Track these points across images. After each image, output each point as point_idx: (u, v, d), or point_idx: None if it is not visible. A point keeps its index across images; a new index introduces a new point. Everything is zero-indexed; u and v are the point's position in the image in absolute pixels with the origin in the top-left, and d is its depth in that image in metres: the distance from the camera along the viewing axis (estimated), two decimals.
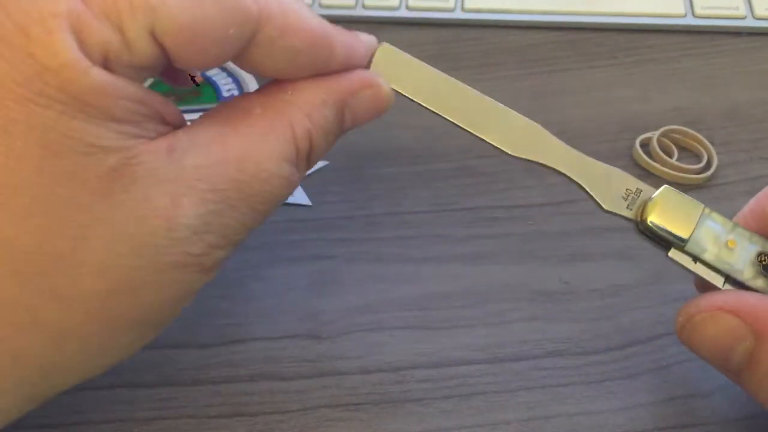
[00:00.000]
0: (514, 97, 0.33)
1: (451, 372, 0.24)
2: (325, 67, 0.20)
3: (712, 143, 0.30)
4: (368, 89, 0.21)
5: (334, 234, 0.28)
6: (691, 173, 0.29)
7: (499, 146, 0.21)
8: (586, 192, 0.21)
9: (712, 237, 0.20)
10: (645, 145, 0.31)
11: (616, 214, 0.21)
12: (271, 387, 0.23)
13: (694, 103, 0.33)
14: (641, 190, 0.21)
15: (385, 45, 0.22)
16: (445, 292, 0.26)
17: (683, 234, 0.20)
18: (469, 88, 0.21)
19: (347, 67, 0.21)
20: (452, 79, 0.21)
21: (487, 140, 0.21)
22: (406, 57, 0.22)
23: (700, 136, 0.31)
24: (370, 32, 0.32)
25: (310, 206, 0.29)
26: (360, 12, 0.38)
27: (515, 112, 0.21)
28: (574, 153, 0.21)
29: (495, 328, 0.25)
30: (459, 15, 0.38)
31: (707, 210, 0.20)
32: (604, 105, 0.33)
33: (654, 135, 0.30)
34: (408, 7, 0.38)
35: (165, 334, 0.25)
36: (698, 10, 0.37)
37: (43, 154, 0.16)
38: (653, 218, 0.20)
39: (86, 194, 0.16)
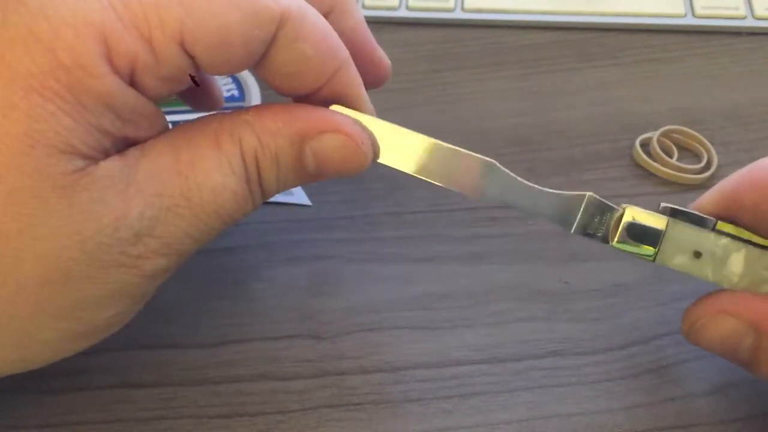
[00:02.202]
0: (513, 97, 0.34)
1: (451, 372, 0.24)
2: (329, 80, 0.20)
3: (712, 143, 0.30)
4: (335, 134, 0.20)
5: (334, 234, 0.28)
6: (691, 173, 0.29)
7: (465, 193, 0.21)
8: (554, 222, 0.21)
9: (679, 248, 0.21)
10: (645, 145, 0.31)
11: (585, 236, 0.21)
12: (271, 387, 0.23)
13: (694, 103, 0.33)
14: (607, 212, 0.21)
15: (334, 107, 0.21)
16: (445, 292, 0.26)
17: (648, 252, 0.21)
18: (421, 135, 0.21)
19: (352, 86, 0.21)
20: (406, 129, 0.21)
21: (453, 189, 0.21)
22: (359, 115, 0.21)
23: (700, 136, 0.31)
24: (371, 32, 0.32)
25: (310, 206, 0.29)
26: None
27: (470, 153, 0.21)
28: (535, 188, 0.21)
29: (495, 328, 0.25)
30: (459, 15, 0.38)
31: (671, 221, 0.21)
32: (604, 105, 0.33)
33: (654, 135, 0.30)
34: (408, 7, 0.38)
35: (165, 334, 0.25)
36: (698, 10, 0.37)
37: (22, 143, 0.17)
38: (617, 242, 0.21)
39: (46, 189, 0.17)
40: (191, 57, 0.18)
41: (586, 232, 0.21)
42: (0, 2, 0.17)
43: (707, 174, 0.29)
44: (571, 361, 0.24)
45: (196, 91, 0.24)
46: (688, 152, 0.31)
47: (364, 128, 0.21)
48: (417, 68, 0.35)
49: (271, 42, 0.19)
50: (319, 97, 0.21)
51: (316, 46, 0.20)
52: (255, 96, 0.34)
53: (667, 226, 0.21)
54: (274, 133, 0.20)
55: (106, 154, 0.18)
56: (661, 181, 0.29)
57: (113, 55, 0.17)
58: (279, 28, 0.19)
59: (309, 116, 0.20)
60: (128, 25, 0.17)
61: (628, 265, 0.26)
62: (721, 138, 0.31)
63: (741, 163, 0.30)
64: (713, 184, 0.29)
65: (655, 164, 0.30)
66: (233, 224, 0.20)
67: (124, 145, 0.19)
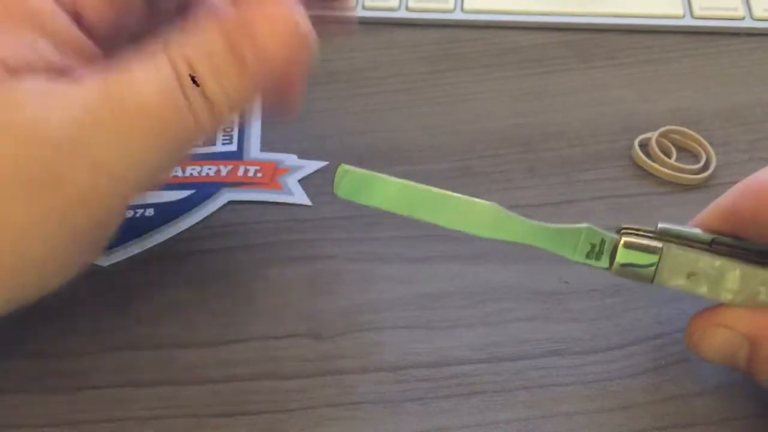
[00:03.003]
0: (513, 97, 0.34)
1: (451, 371, 0.24)
2: None
3: (711, 144, 0.30)
4: (267, 17, 0.19)
5: (334, 234, 0.28)
6: (689, 173, 0.29)
7: (469, 232, 0.23)
8: (553, 252, 0.22)
9: (675, 271, 0.22)
10: (644, 146, 0.31)
11: (585, 265, 0.22)
12: (271, 386, 0.23)
13: (692, 104, 0.33)
14: (605, 241, 0.22)
15: (343, 166, 0.23)
16: (444, 292, 0.26)
17: (646, 278, 0.22)
18: (428, 187, 0.23)
19: None
20: (412, 183, 0.23)
21: (458, 229, 0.23)
22: (366, 173, 0.23)
23: (698, 136, 0.31)
24: (371, 33, 0.32)
25: (310, 206, 0.29)
26: (360, 13, 0.38)
27: (474, 200, 0.23)
28: (533, 224, 0.22)
29: (494, 328, 0.25)
30: (459, 16, 0.38)
31: (665, 248, 0.22)
32: (602, 105, 0.33)
33: (653, 135, 0.31)
34: (408, 8, 0.38)
35: (165, 334, 0.25)
36: (697, 11, 0.37)
37: None
38: (615, 272, 0.22)
39: None
40: None
41: (586, 261, 0.22)
42: None
43: (706, 174, 0.29)
44: (571, 360, 0.24)
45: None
46: (686, 152, 0.31)
47: (297, 6, 0.20)
48: (417, 69, 0.35)
49: None
50: None
51: None
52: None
53: (661, 254, 0.22)
54: (203, 31, 0.19)
55: (34, 73, 0.18)
56: (660, 182, 0.29)
57: None
58: None
59: (239, 8, 0.19)
60: None
61: None
62: (719, 138, 0.31)
63: (739, 164, 0.30)
64: (712, 185, 0.29)
65: (653, 164, 0.30)
66: (186, 145, 0.19)
67: (57, 72, 0.18)
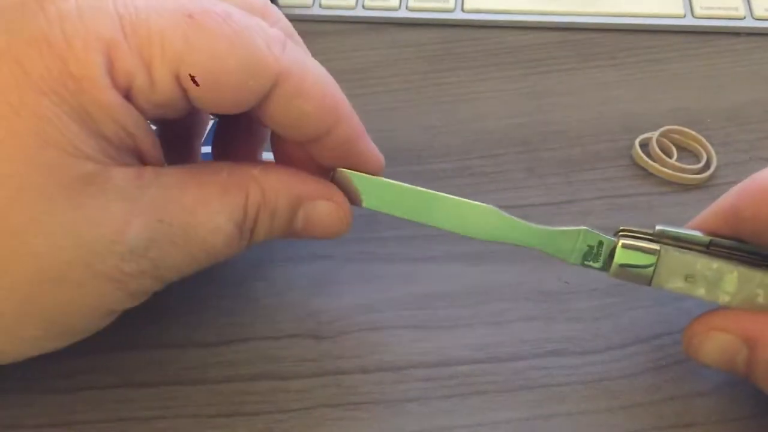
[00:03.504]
0: (514, 97, 0.34)
1: (451, 371, 0.24)
2: (326, 136, 0.22)
3: (712, 143, 0.30)
4: (327, 201, 0.23)
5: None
6: (690, 173, 0.29)
7: (468, 235, 0.23)
8: (551, 255, 0.23)
9: (672, 273, 0.22)
10: (644, 146, 0.31)
11: (583, 267, 0.23)
12: (271, 386, 0.23)
13: (693, 104, 0.33)
14: (602, 243, 0.22)
15: (342, 171, 0.23)
16: (445, 291, 0.26)
17: (644, 280, 0.22)
18: (425, 189, 0.23)
19: (346, 143, 0.22)
20: (409, 186, 0.23)
21: (457, 232, 0.23)
22: (363, 176, 0.23)
23: (699, 136, 0.31)
24: (371, 33, 0.32)
25: None
26: (360, 12, 0.38)
27: (473, 202, 0.23)
28: (532, 226, 0.23)
29: (495, 328, 0.25)
30: (459, 15, 0.38)
31: (663, 250, 0.22)
32: (603, 105, 0.33)
33: (653, 135, 0.31)
34: (408, 8, 0.38)
35: (166, 334, 0.25)
36: (697, 11, 0.37)
37: (35, 141, 0.18)
38: (612, 274, 0.22)
39: (55, 188, 0.18)
40: (184, 90, 0.19)
41: (584, 263, 0.22)
42: (23, 7, 0.18)
43: (706, 174, 0.29)
44: (571, 360, 0.24)
45: (179, 134, 0.25)
46: (687, 152, 0.31)
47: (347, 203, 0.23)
48: (417, 68, 0.35)
49: (268, 95, 0.20)
50: (320, 146, 0.22)
51: (315, 104, 0.21)
52: None
53: (658, 256, 0.22)
54: (276, 191, 0.22)
55: (116, 163, 0.19)
56: (661, 181, 0.29)
57: (114, 72, 0.18)
58: (276, 84, 0.20)
59: (309, 182, 0.23)
60: (132, 47, 0.18)
61: None
62: (720, 138, 0.31)
63: (740, 163, 0.30)
64: (713, 184, 0.29)
65: (654, 164, 0.30)
66: (215, 262, 0.21)
67: (131, 156, 0.20)
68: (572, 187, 0.29)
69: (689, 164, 0.30)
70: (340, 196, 0.23)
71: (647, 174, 0.30)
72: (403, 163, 0.31)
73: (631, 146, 0.31)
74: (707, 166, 0.30)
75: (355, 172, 0.23)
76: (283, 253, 0.27)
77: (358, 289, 0.26)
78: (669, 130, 0.31)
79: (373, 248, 0.27)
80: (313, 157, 0.23)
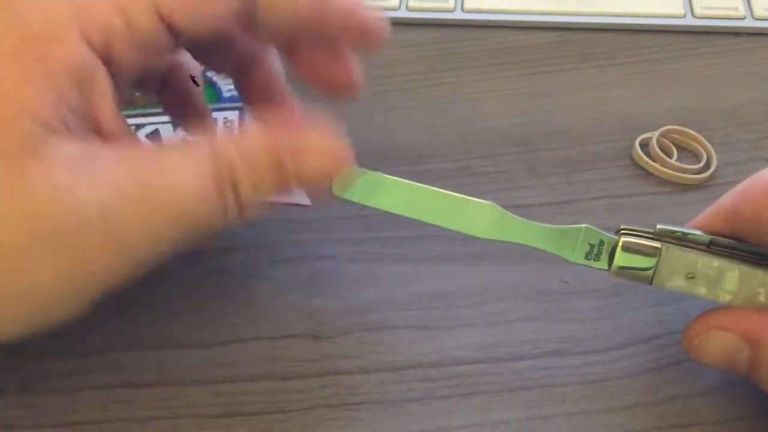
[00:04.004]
0: (513, 97, 0.34)
1: (451, 371, 0.24)
2: (325, 16, 0.21)
3: (712, 143, 0.30)
4: (316, 141, 0.21)
5: (334, 234, 0.28)
6: (690, 173, 0.29)
7: (468, 233, 0.23)
8: (552, 253, 0.22)
9: (674, 272, 0.22)
10: (644, 145, 0.31)
11: (584, 266, 0.22)
12: (271, 387, 0.23)
13: (693, 104, 0.33)
14: (603, 241, 0.22)
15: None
16: (445, 292, 0.26)
17: (645, 278, 0.22)
18: (424, 185, 0.23)
19: (347, 17, 0.22)
20: (409, 182, 0.23)
21: (457, 230, 0.23)
22: (364, 172, 0.23)
23: (699, 136, 0.31)
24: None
25: (310, 206, 0.29)
26: None
27: (469, 199, 0.23)
28: (532, 224, 0.23)
29: (495, 328, 0.25)
30: (459, 15, 0.38)
31: (664, 248, 0.22)
32: (603, 105, 0.33)
33: (653, 135, 0.31)
34: (408, 8, 0.38)
35: (165, 334, 0.25)
36: (698, 11, 0.37)
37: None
38: (613, 272, 0.22)
39: (5, 149, 0.17)
40: (167, 23, 0.19)
41: (585, 261, 0.22)
42: None
43: (707, 174, 0.29)
44: (571, 360, 0.24)
45: (179, 100, 0.25)
46: (687, 152, 0.31)
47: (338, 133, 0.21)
48: (417, 68, 0.35)
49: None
50: (324, 27, 0.22)
51: None
52: None
53: (659, 255, 0.22)
54: (249, 141, 0.20)
55: (70, 132, 0.18)
56: (661, 181, 0.29)
57: (88, 28, 0.18)
58: None
59: (291, 127, 0.21)
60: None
61: None
62: (720, 138, 0.31)
63: (740, 163, 0.30)
64: (713, 184, 0.29)
65: (654, 164, 0.30)
66: (205, 233, 0.20)
67: (88, 128, 0.19)
68: (572, 187, 0.29)
69: (689, 164, 0.30)
70: (328, 134, 0.21)
71: (647, 174, 0.30)
72: (403, 163, 0.31)
73: (631, 146, 0.31)
74: (707, 166, 0.30)
75: (358, 170, 0.23)
76: (283, 253, 0.27)
77: (358, 289, 0.26)
78: (669, 130, 0.31)
79: (373, 248, 0.27)
80: (328, 56, 0.23)
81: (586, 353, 0.24)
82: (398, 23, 0.38)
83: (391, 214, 0.27)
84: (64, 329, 0.25)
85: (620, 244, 0.22)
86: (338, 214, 0.29)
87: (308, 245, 0.28)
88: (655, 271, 0.22)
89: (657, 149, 0.30)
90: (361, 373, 0.24)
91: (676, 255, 0.22)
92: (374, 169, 0.31)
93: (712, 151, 0.30)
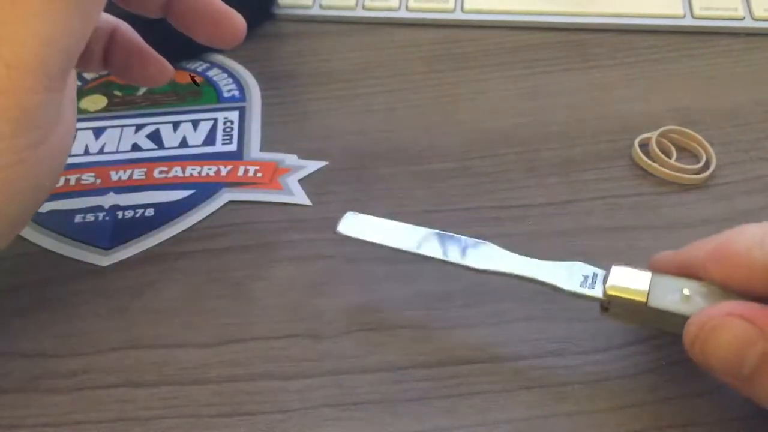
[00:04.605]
0: (513, 97, 0.34)
1: (451, 371, 0.24)
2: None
3: (711, 143, 0.30)
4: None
5: (334, 234, 0.28)
6: (689, 173, 0.29)
7: (464, 265, 0.24)
8: (545, 284, 0.23)
9: (667, 294, 0.22)
10: (644, 146, 0.31)
11: (577, 296, 0.23)
12: (271, 386, 0.23)
13: (692, 104, 0.33)
14: (597, 274, 0.23)
15: (350, 213, 0.25)
16: (445, 292, 0.26)
17: (641, 299, 0.22)
18: (427, 229, 0.24)
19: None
20: (411, 225, 0.25)
21: (454, 263, 0.24)
22: (368, 217, 0.25)
23: (698, 136, 0.31)
24: (371, 33, 0.32)
25: (310, 206, 0.29)
26: (360, 13, 0.38)
27: (468, 239, 0.24)
28: (527, 259, 0.23)
29: (495, 328, 0.25)
30: (459, 15, 0.38)
31: (654, 277, 0.22)
32: (603, 105, 0.33)
33: (653, 135, 0.31)
34: (408, 8, 0.38)
35: (165, 334, 0.25)
36: (697, 11, 0.37)
37: None
38: (609, 293, 0.22)
39: None
40: None
41: (579, 295, 0.22)
42: None
43: (706, 174, 0.29)
44: (571, 360, 0.24)
45: (130, 61, 0.27)
46: (686, 152, 0.31)
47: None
48: (417, 68, 0.35)
49: None
50: None
51: None
52: (255, 96, 0.34)
53: (650, 285, 0.22)
54: None
55: None
56: (660, 181, 0.29)
57: None
58: None
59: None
60: None
61: (628, 264, 0.26)
62: (719, 138, 0.31)
63: (739, 164, 0.30)
64: (712, 184, 0.29)
65: (653, 164, 0.30)
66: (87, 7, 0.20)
67: None
68: (572, 187, 0.29)
69: (689, 164, 0.30)
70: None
71: (647, 174, 0.30)
72: (403, 163, 0.31)
73: (631, 146, 0.31)
74: (706, 166, 0.30)
75: (360, 215, 0.25)
76: (283, 253, 0.27)
77: (358, 289, 0.26)
78: (668, 130, 0.31)
79: (373, 248, 0.27)
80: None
81: (586, 353, 0.24)
82: (398, 23, 0.38)
83: (393, 213, 0.27)
84: (64, 329, 0.25)
85: (611, 271, 0.22)
86: (338, 214, 0.29)
87: (308, 245, 0.28)
88: (648, 299, 0.21)
89: (656, 149, 0.30)
90: (361, 372, 0.24)
91: (668, 282, 0.22)
92: (375, 168, 0.31)
93: (712, 151, 0.30)
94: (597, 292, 0.22)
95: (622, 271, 0.22)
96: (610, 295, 0.22)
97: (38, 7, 0.19)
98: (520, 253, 0.23)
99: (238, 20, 0.26)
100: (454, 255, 0.24)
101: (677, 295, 0.21)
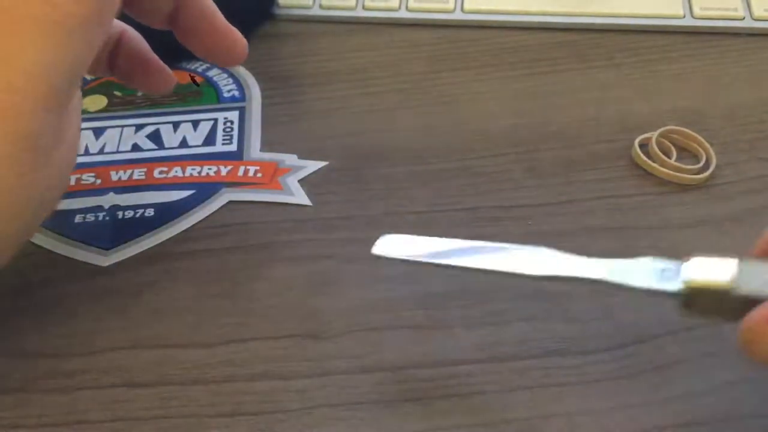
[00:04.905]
0: (513, 97, 0.34)
1: (451, 371, 0.24)
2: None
3: (711, 143, 0.30)
4: None
5: (334, 234, 0.28)
6: (689, 173, 0.29)
7: (526, 273, 0.22)
8: (614, 284, 0.21)
9: (756, 277, 0.19)
10: (644, 146, 0.31)
11: (653, 292, 0.21)
12: (271, 386, 0.23)
13: (692, 104, 0.33)
14: (671, 267, 0.20)
15: (387, 236, 0.24)
16: (445, 292, 0.26)
17: (727, 286, 0.19)
18: (486, 242, 0.23)
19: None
20: (449, 240, 0.23)
21: (516, 272, 0.22)
22: (404, 237, 0.24)
23: (698, 136, 0.31)
24: (371, 33, 0.32)
25: (310, 206, 0.29)
26: (360, 13, 0.38)
27: (522, 247, 0.22)
28: (588, 259, 0.21)
29: (495, 328, 0.25)
30: (459, 16, 0.38)
31: (743, 260, 0.20)
32: (603, 105, 0.33)
33: (653, 135, 0.31)
34: (408, 8, 0.38)
35: (165, 334, 0.25)
36: (697, 11, 0.37)
37: None
38: (691, 284, 0.20)
39: None
40: None
41: (656, 291, 0.21)
42: None
43: (706, 174, 0.29)
44: (571, 360, 0.24)
45: (134, 66, 0.27)
46: (686, 152, 0.31)
47: None
48: (417, 69, 0.35)
49: None
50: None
51: None
52: (255, 96, 0.34)
53: (737, 272, 0.19)
54: None
55: None
56: (660, 182, 0.29)
57: None
58: None
59: None
60: None
61: None
62: (719, 138, 0.31)
63: (739, 164, 0.30)
64: (712, 185, 0.29)
65: (653, 164, 0.30)
66: (82, 31, 0.20)
67: None
68: (572, 187, 0.29)
69: (688, 164, 0.30)
70: None
71: (647, 174, 0.30)
72: (403, 163, 0.31)
73: (631, 146, 0.31)
74: (706, 166, 0.30)
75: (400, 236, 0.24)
76: (283, 253, 0.27)
77: (358, 289, 0.26)
78: (668, 130, 0.31)
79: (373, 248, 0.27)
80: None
81: (586, 353, 0.24)
82: (398, 23, 0.38)
83: (391, 214, 0.27)
84: (65, 329, 0.25)
85: (691, 261, 0.20)
86: (338, 214, 0.29)
87: (308, 245, 0.28)
88: (736, 278, 0.19)
89: (656, 149, 0.30)
90: (361, 372, 0.24)
91: (757, 264, 0.20)
92: (375, 168, 0.31)
93: (711, 152, 0.30)
94: (675, 284, 0.20)
95: (702, 261, 0.20)
96: (693, 287, 0.20)
97: (41, 34, 0.19)
98: (574, 253, 0.22)
99: (239, 40, 0.26)
100: (507, 264, 0.22)
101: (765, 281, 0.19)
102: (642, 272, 0.21)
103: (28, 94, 0.19)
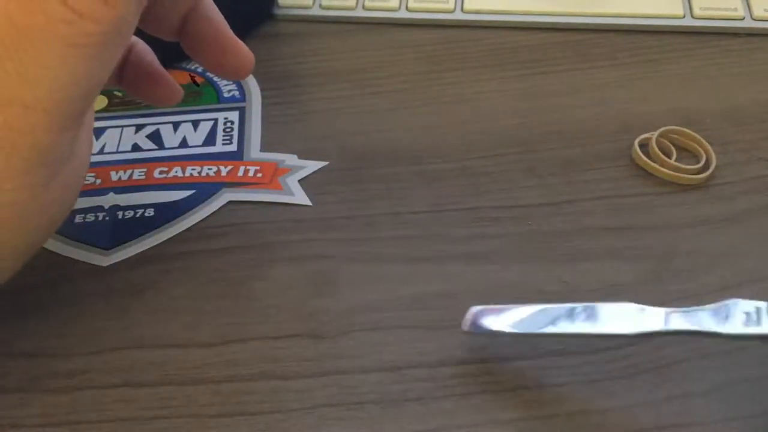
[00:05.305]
0: (513, 97, 0.34)
1: (451, 371, 0.24)
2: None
3: (711, 144, 0.30)
4: None
5: (334, 234, 0.28)
6: (689, 173, 0.29)
7: (620, 333, 0.22)
8: (698, 333, 0.21)
9: None
10: (644, 146, 0.31)
11: (742, 337, 0.21)
12: (271, 386, 0.23)
13: (692, 104, 0.33)
14: (760, 308, 0.21)
15: (474, 308, 0.23)
16: (445, 292, 0.26)
17: None
18: (569, 304, 0.23)
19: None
20: (536, 305, 0.23)
21: (610, 333, 0.22)
22: (497, 308, 0.23)
23: (698, 136, 0.31)
24: (371, 33, 0.33)
25: (310, 206, 0.29)
26: (360, 13, 0.38)
27: (604, 303, 0.22)
28: (669, 311, 0.22)
29: None
30: (459, 16, 0.38)
31: None
32: (602, 105, 0.33)
33: (653, 135, 0.31)
34: (408, 9, 0.38)
35: (165, 334, 0.25)
36: (697, 12, 0.37)
37: None
38: None
39: None
40: None
41: (744, 336, 0.21)
42: None
43: (706, 174, 0.29)
44: (571, 360, 0.24)
45: (140, 79, 0.27)
46: (686, 152, 0.31)
47: None
48: (417, 69, 0.35)
49: None
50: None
51: None
52: (255, 96, 0.34)
53: None
54: None
55: None
56: (660, 182, 0.30)
57: None
58: None
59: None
60: None
61: (628, 265, 0.26)
62: (719, 138, 0.31)
63: (739, 164, 0.30)
64: (712, 185, 0.29)
65: (653, 164, 0.30)
66: (94, 43, 0.19)
67: None
68: (572, 187, 0.29)
69: (688, 164, 0.30)
70: None
71: (647, 174, 0.30)
72: (403, 163, 0.31)
73: (631, 146, 0.31)
74: (706, 166, 0.30)
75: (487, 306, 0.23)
76: (283, 253, 0.27)
77: (358, 289, 0.26)
78: (668, 131, 0.31)
79: (373, 248, 0.27)
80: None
81: (586, 353, 0.24)
82: (398, 24, 0.38)
83: (393, 213, 0.27)
84: (64, 329, 0.25)
85: None
86: (338, 214, 0.29)
87: (308, 245, 0.28)
88: None
89: (656, 149, 0.30)
90: (361, 372, 0.24)
91: None
92: (375, 168, 0.31)
93: (711, 152, 0.30)
94: (766, 327, 0.20)
95: None
96: None
97: (59, 53, 0.19)
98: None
99: (245, 53, 0.26)
100: (600, 327, 0.22)
101: None
102: (726, 318, 0.21)
103: (45, 112, 0.19)
